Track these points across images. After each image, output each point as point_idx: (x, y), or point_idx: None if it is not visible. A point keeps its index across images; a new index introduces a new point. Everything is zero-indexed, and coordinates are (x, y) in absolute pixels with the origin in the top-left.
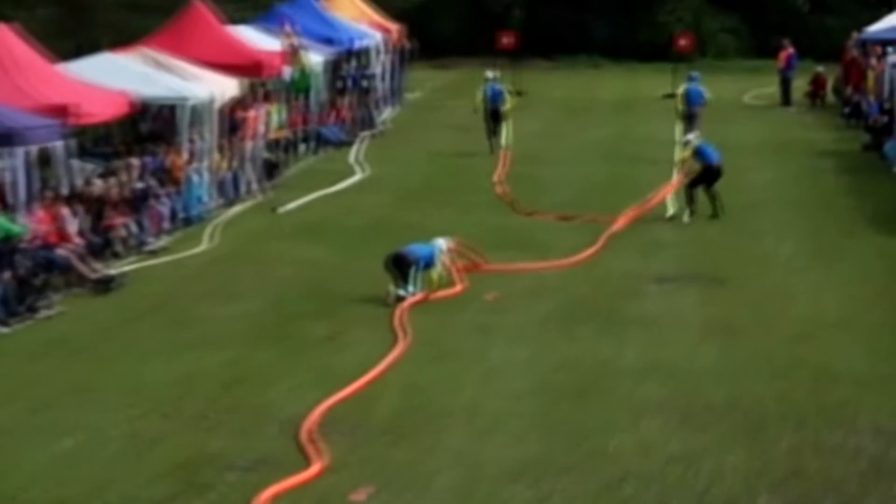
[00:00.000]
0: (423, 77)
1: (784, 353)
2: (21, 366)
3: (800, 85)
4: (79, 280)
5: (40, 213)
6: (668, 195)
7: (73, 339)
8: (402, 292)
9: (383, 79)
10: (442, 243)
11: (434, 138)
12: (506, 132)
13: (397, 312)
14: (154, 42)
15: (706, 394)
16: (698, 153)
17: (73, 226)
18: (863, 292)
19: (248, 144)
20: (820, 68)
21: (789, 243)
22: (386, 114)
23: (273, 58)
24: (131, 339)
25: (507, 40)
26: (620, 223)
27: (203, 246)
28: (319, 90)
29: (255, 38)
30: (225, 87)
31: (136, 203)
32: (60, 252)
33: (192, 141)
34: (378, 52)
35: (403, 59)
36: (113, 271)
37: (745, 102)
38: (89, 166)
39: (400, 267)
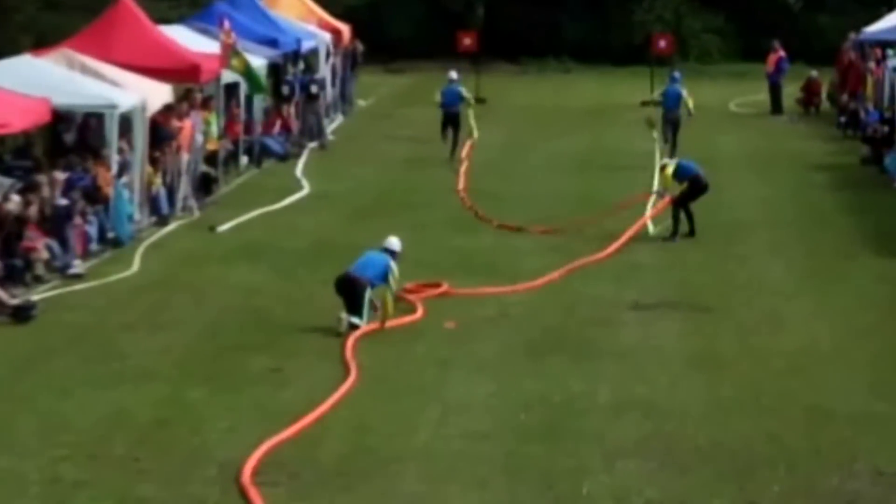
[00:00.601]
0: (375, 82)
1: (774, 388)
2: None
3: (791, 91)
4: None
5: None
6: (649, 218)
7: None
8: (355, 320)
9: (332, 84)
10: (395, 242)
11: (388, 150)
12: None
13: (347, 343)
14: (78, 43)
15: (688, 434)
16: (679, 171)
17: None
18: (861, 321)
19: (183, 157)
20: (813, 73)
21: (780, 267)
22: (335, 123)
23: (210, 61)
24: (52, 374)
25: (467, 42)
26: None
27: (133, 269)
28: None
29: (191, 39)
30: (157, 94)
31: (59, 222)
32: None
33: (120, 153)
34: (326, 54)
35: (354, 62)
36: (33, 297)
37: (731, 110)
38: (7, 181)
39: (351, 292)
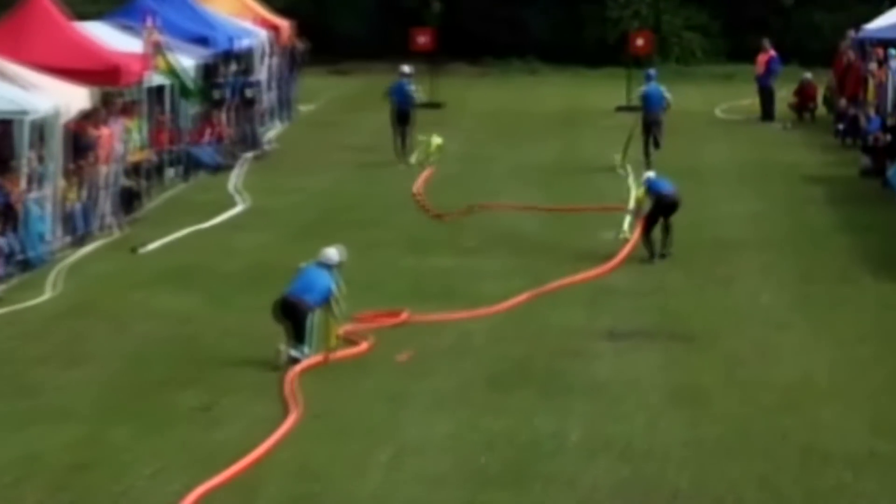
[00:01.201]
0: (319, 86)
1: (764, 426)
2: None
3: (783, 96)
4: None
5: None
6: (627, 219)
7: None
8: (295, 352)
9: (270, 87)
10: (333, 254)
11: (333, 161)
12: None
13: (288, 377)
14: None
15: (669, 478)
16: (649, 188)
17: None
18: (861, 352)
19: (103, 169)
20: (808, 75)
21: (770, 292)
22: (274, 131)
23: (134, 61)
24: None
25: (423, 40)
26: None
27: (45, 295)
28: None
29: (112, 37)
30: (74, 98)
31: None
32: None
33: (32, 164)
34: (263, 54)
35: (295, 63)
36: None
37: (717, 117)
38: None
39: (292, 318)
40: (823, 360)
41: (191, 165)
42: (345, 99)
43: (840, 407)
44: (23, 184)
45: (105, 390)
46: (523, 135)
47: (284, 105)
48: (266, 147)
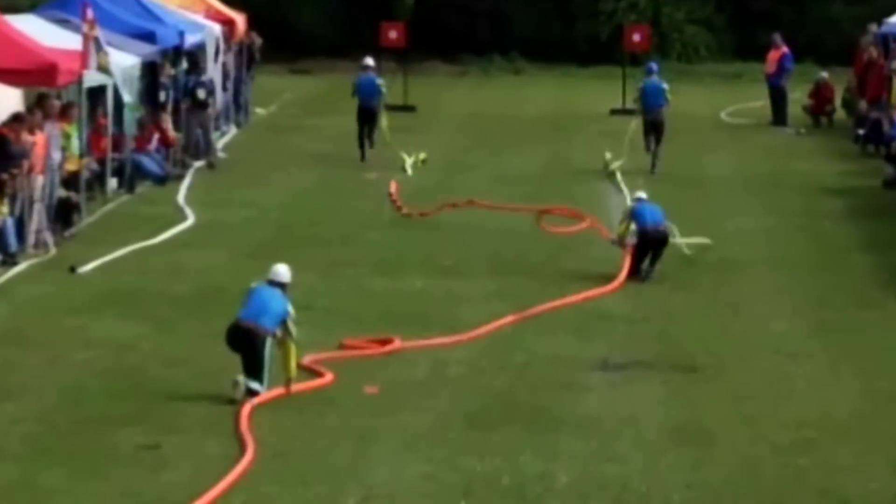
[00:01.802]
0: (277, 86)
1: (776, 468)
2: None
3: (797, 97)
4: None
5: None
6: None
7: None
8: (253, 384)
9: (223, 88)
10: (283, 272)
11: (293, 170)
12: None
13: (242, 412)
14: None
15: None
16: (635, 212)
17: None
18: (884, 386)
19: (37, 179)
20: (824, 74)
21: (783, 317)
22: (228, 136)
23: (70, 59)
24: None
25: (393, 35)
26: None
27: None
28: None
29: (46, 32)
30: (3, 100)
31: None
32: None
33: None
34: (216, 51)
35: (251, 61)
36: None
37: (723, 121)
38: None
39: (248, 345)
40: (842, 394)
41: (135, 175)
42: (306, 101)
43: (860, 446)
44: None
45: (38, 427)
46: (506, 142)
47: (239, 108)
48: (219, 155)
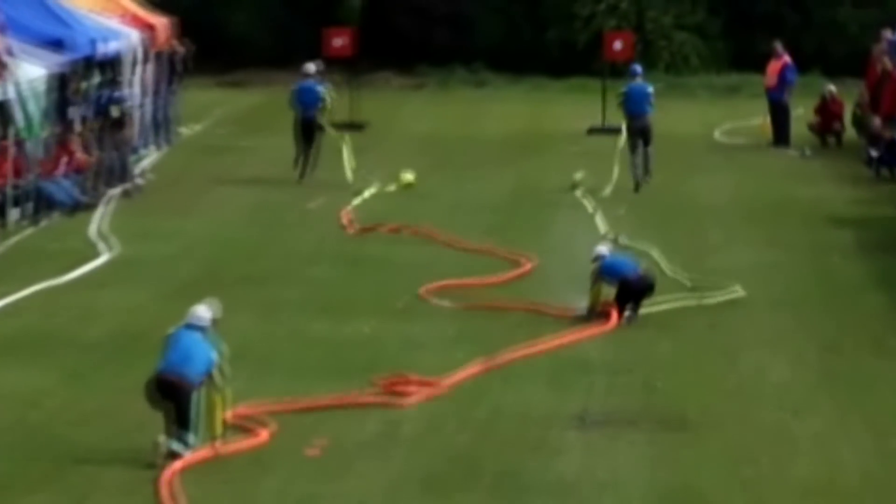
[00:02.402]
0: (206, 101)
1: None
2: None
3: (802, 114)
4: None
5: None
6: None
7: None
8: (176, 446)
9: (143, 104)
10: (203, 314)
11: (224, 198)
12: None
13: (165, 476)
14: None
15: None
16: (607, 273)
17: None
18: None
19: None
20: (832, 87)
21: (785, 366)
22: (148, 159)
23: None
24: None
25: (340, 43)
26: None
27: None
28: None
29: None
30: None
31: None
32: None
33: None
34: (135, 61)
35: (175, 72)
36: None
37: (717, 141)
38: None
39: (171, 400)
40: (853, 454)
41: (41, 204)
42: (239, 118)
43: None
44: None
45: None
46: (468, 164)
47: (162, 126)
48: (138, 180)
